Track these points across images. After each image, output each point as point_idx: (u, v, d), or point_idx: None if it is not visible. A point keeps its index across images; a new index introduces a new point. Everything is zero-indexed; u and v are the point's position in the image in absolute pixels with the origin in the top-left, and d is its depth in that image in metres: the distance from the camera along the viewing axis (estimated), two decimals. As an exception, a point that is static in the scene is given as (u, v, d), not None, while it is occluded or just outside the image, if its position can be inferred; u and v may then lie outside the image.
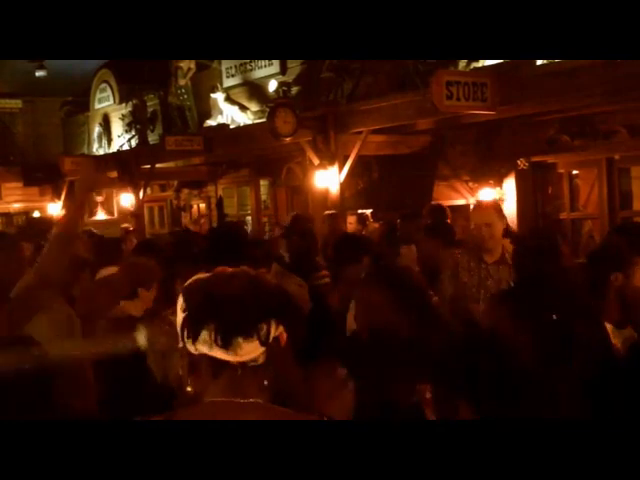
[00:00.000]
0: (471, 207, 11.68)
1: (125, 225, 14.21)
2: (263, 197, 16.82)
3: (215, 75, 15.83)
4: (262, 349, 2.02)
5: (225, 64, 15.52)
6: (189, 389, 2.10)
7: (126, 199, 17.52)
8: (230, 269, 2.12)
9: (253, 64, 14.87)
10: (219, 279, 2.08)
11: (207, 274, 2.12)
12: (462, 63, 10.11)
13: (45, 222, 12.28)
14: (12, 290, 3.85)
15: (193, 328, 2.02)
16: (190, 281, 2.11)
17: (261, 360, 2.03)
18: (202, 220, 18.07)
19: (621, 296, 3.66)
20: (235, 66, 15.32)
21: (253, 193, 16.78)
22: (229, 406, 2.01)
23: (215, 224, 15.72)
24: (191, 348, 2.03)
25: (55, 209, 19.72)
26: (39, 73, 19.46)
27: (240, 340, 1.99)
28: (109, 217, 20.98)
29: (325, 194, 11.32)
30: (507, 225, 6.06)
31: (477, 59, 9.59)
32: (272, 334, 2.03)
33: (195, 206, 18.97)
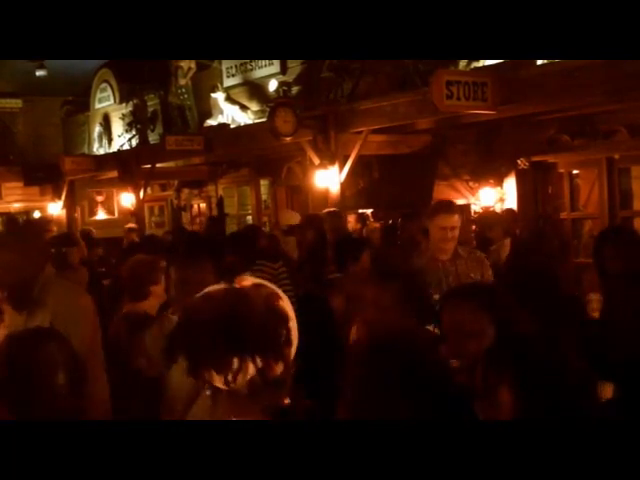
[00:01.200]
0: (472, 209, 11.71)
1: (130, 225, 14.20)
2: (263, 197, 16.82)
3: (215, 75, 15.82)
4: (248, 376, 1.92)
5: (225, 64, 15.51)
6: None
7: (126, 199, 17.52)
8: (225, 287, 2.01)
9: (253, 64, 14.86)
10: (204, 302, 1.98)
11: (212, 290, 2.03)
12: (462, 63, 10.11)
13: (41, 222, 12.24)
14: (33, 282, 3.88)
15: (169, 354, 1.98)
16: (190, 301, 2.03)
17: (244, 391, 1.94)
18: (198, 220, 18.10)
19: None
20: (235, 66, 15.31)
21: (253, 193, 16.78)
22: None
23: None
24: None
25: (55, 209, 19.72)
26: (39, 73, 19.44)
27: (209, 373, 1.92)
28: (109, 217, 20.98)
29: (325, 194, 11.31)
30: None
31: (477, 59, 9.58)
32: (246, 371, 1.92)
33: (195, 206, 18.97)
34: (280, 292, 2.05)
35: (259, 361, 1.92)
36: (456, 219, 5.77)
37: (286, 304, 2.03)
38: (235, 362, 1.90)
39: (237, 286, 2.01)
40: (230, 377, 1.91)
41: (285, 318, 2.00)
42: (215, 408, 1.99)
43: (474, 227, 10.55)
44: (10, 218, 16.68)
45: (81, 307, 4.01)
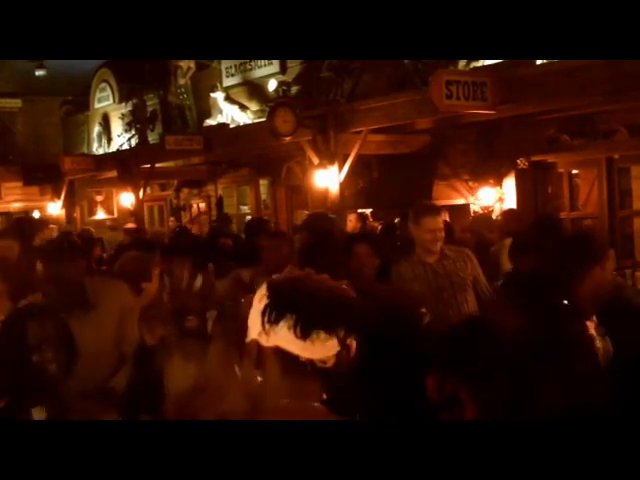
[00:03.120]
0: (471, 208, 11.71)
1: (129, 225, 14.18)
2: (263, 196, 16.81)
3: (215, 74, 15.82)
4: (335, 350, 2.01)
5: (225, 63, 15.51)
6: (259, 379, 2.08)
7: (126, 198, 17.51)
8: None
9: (253, 63, 14.86)
10: (307, 278, 2.09)
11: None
12: (462, 62, 10.11)
13: (34, 222, 12.18)
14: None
15: (275, 315, 2.01)
16: (277, 276, 2.15)
17: (330, 363, 2.01)
18: (201, 218, 18.07)
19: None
20: (235, 65, 15.31)
21: (253, 192, 16.77)
22: (291, 408, 2.01)
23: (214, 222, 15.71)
24: (263, 340, 2.03)
25: (55, 209, 19.71)
26: (39, 72, 19.45)
27: (319, 334, 1.99)
28: (109, 216, 20.98)
29: (325, 193, 11.31)
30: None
31: (477, 59, 9.58)
32: (348, 340, 2.02)
33: (195, 205, 18.96)
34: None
35: (352, 335, 2.03)
36: (441, 220, 5.76)
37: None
38: (342, 330, 2.01)
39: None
40: (340, 338, 2.00)
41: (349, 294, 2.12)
42: (307, 380, 2.04)
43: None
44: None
45: (131, 299, 4.36)
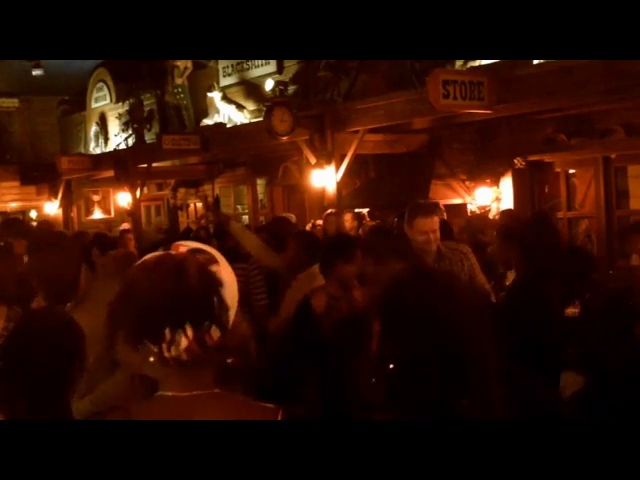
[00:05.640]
0: (468, 208, 11.72)
1: (124, 226, 14.18)
2: (260, 196, 16.81)
3: (212, 74, 15.83)
4: (181, 347, 1.94)
5: (222, 63, 15.52)
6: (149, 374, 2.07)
7: (123, 198, 17.50)
8: (160, 255, 2.04)
9: (250, 63, 14.87)
10: (139, 272, 2.01)
11: (147, 258, 2.06)
12: (459, 62, 10.11)
13: (21, 222, 12.13)
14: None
15: (111, 326, 2.00)
16: (135, 265, 2.06)
17: (184, 357, 1.95)
18: (203, 221, 18.05)
19: None
20: (232, 65, 15.32)
21: (250, 192, 16.76)
22: (182, 400, 1.99)
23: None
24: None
25: (52, 208, 19.69)
26: (36, 72, 19.42)
27: (146, 344, 1.95)
28: (106, 216, 20.97)
29: (322, 193, 11.32)
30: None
31: (474, 59, 9.59)
32: (179, 342, 1.94)
33: (192, 205, 18.96)
34: (219, 256, 2.07)
35: (191, 330, 1.94)
36: (436, 220, 5.63)
37: (223, 269, 2.05)
38: (167, 333, 1.93)
39: (173, 253, 2.04)
40: (164, 347, 1.94)
41: (218, 283, 2.01)
42: (164, 379, 2.01)
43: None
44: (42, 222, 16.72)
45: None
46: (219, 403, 2.00)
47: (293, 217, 11.16)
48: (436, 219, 5.62)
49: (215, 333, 1.98)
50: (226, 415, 1.97)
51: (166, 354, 1.95)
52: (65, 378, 2.75)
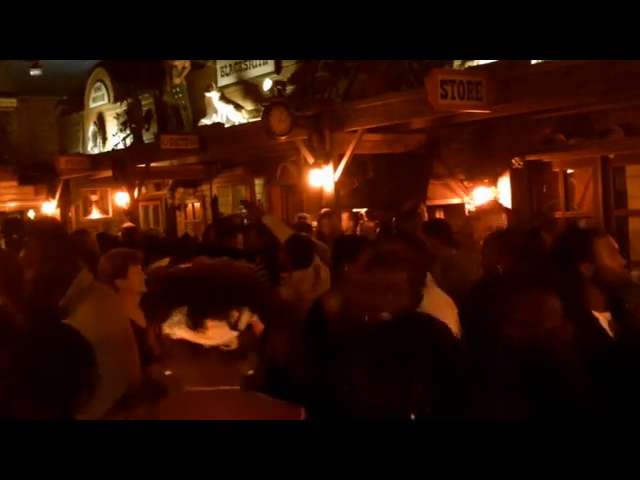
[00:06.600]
0: (466, 208, 11.72)
1: (126, 224, 14.16)
2: (258, 196, 16.80)
3: (210, 74, 15.83)
4: (233, 334, 2.03)
5: (220, 63, 15.52)
6: (168, 373, 2.11)
7: (121, 198, 17.50)
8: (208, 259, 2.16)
9: (248, 63, 14.87)
10: (194, 265, 2.13)
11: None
12: (457, 62, 10.11)
13: (19, 222, 12.13)
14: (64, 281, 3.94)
15: (164, 310, 2.05)
16: (155, 267, 2.17)
17: (234, 345, 2.04)
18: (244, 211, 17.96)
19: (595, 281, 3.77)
20: (230, 65, 15.31)
21: (248, 192, 16.76)
22: (205, 395, 2.02)
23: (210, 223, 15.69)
24: (167, 331, 2.06)
25: (50, 208, 19.68)
26: (34, 72, 19.42)
27: (209, 322, 2.01)
28: (104, 216, 20.96)
29: (320, 193, 11.31)
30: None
31: (472, 59, 9.59)
32: (243, 321, 2.04)
33: (190, 205, 18.96)
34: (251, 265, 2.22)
35: (249, 314, 2.06)
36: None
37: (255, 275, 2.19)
38: (234, 313, 2.03)
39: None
40: (232, 321, 2.03)
41: (262, 289, 2.15)
42: (192, 373, 2.06)
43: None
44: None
45: (111, 315, 3.99)
46: (245, 401, 2.06)
47: (308, 216, 11.19)
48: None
49: (258, 326, 2.09)
50: (251, 413, 2.02)
51: (216, 340, 2.02)
52: (72, 389, 2.75)
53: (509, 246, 4.68)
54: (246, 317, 2.05)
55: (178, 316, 2.03)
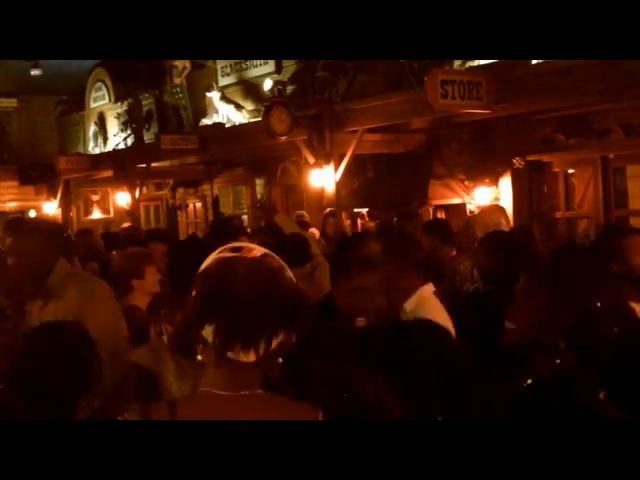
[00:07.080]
0: (467, 208, 11.73)
1: (126, 224, 14.17)
2: (259, 196, 16.81)
3: (210, 74, 15.82)
4: (270, 349, 1.95)
5: (220, 63, 15.51)
6: (200, 357, 2.04)
7: (122, 198, 17.50)
8: (255, 251, 2.02)
9: (248, 63, 14.87)
10: (238, 268, 1.98)
11: (230, 254, 2.02)
12: (457, 62, 10.12)
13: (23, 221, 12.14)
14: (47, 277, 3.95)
15: (199, 320, 1.97)
16: (211, 262, 2.03)
17: (265, 357, 1.97)
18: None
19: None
20: (230, 65, 15.31)
21: (249, 192, 16.77)
22: (227, 399, 1.99)
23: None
24: (206, 336, 1.98)
25: (51, 208, 19.68)
26: (34, 72, 19.43)
27: (237, 347, 1.94)
28: (105, 216, 20.97)
29: (321, 193, 11.32)
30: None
31: (472, 59, 9.59)
32: (274, 343, 1.95)
33: (191, 205, 18.96)
34: (283, 262, 2.07)
35: (283, 334, 1.96)
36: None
37: (291, 275, 2.06)
38: (262, 336, 1.94)
39: (248, 256, 2.02)
40: (261, 348, 1.94)
41: (299, 289, 2.04)
42: (213, 377, 2.01)
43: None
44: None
45: (98, 298, 4.00)
46: (264, 404, 2.00)
47: (306, 215, 11.20)
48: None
49: (291, 339, 1.99)
50: (271, 415, 1.98)
51: (242, 357, 1.94)
52: (73, 389, 2.76)
53: (501, 247, 4.70)
54: (277, 339, 1.96)
55: (209, 329, 1.95)
